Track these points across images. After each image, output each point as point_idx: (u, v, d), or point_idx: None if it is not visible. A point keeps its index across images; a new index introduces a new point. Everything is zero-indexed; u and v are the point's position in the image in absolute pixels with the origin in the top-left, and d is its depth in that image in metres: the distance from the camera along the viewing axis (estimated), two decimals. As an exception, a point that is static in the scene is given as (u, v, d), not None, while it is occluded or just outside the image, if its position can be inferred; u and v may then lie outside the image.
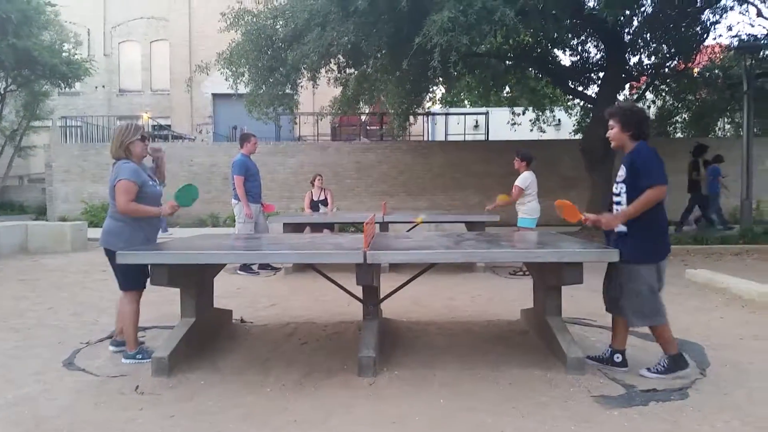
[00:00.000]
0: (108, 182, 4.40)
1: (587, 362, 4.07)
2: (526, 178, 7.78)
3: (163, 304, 5.94)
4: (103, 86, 27.62)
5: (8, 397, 3.57)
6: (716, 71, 15.37)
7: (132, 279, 4.25)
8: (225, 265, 5.20)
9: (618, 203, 3.96)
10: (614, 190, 4.03)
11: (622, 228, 3.87)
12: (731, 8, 12.23)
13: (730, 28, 29.82)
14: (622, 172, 3.95)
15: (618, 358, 4.04)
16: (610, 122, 4.02)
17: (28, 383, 3.83)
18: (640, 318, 3.87)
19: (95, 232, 12.24)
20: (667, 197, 3.82)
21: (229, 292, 6.96)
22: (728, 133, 20.41)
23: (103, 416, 3.29)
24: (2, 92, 21.18)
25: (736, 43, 13.13)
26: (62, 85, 21.13)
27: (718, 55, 16.27)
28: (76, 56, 21.12)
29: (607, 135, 4.07)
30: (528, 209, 7.82)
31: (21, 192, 23.09)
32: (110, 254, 4.20)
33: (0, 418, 3.27)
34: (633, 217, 3.77)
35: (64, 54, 20.37)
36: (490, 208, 8.22)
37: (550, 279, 4.37)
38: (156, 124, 24.57)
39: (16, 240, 10.77)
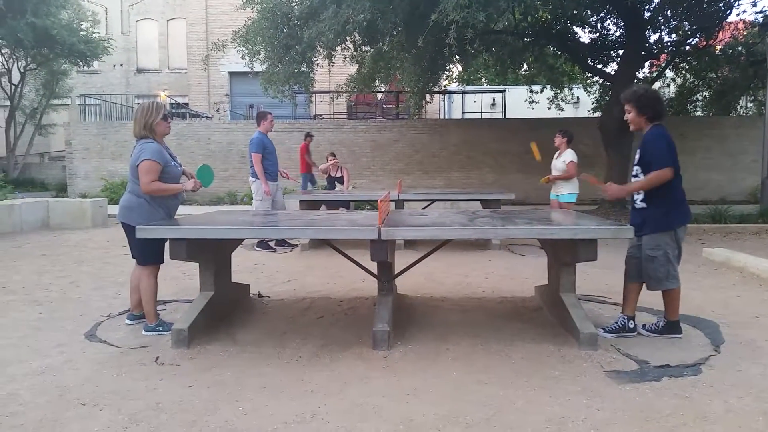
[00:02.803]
0: (129, 159, 4.45)
1: (603, 336, 4.18)
2: (574, 154, 7.88)
3: (182, 279, 6.05)
4: (121, 65, 27.80)
5: (33, 367, 3.68)
6: (739, 48, 15.05)
7: (150, 253, 4.33)
8: (242, 240, 5.27)
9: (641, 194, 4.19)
10: (633, 171, 4.27)
11: (642, 203, 4.14)
12: (756, -17, 11.98)
13: (754, 4, 29.22)
14: (638, 155, 4.18)
15: (631, 324, 4.27)
16: (626, 107, 4.22)
17: (51, 354, 3.94)
18: (655, 282, 4.15)
19: (114, 209, 12.43)
20: (685, 174, 4.08)
21: (247, 268, 7.06)
22: (750, 112, 20.07)
23: (125, 386, 3.38)
24: (22, 71, 21.40)
25: (760, 20, 12.84)
26: (80, 63, 21.32)
27: (741, 31, 15.94)
28: (94, 35, 21.27)
29: (625, 119, 4.27)
30: (574, 186, 7.87)
31: (42, 169, 23.40)
32: (129, 229, 4.28)
33: (26, 386, 3.37)
34: (635, 191, 4.13)
35: (82, 32, 20.51)
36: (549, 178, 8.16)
37: (564, 256, 4.38)
38: (173, 102, 24.70)
39: (38, 216, 10.97)
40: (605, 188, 4.30)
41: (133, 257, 4.50)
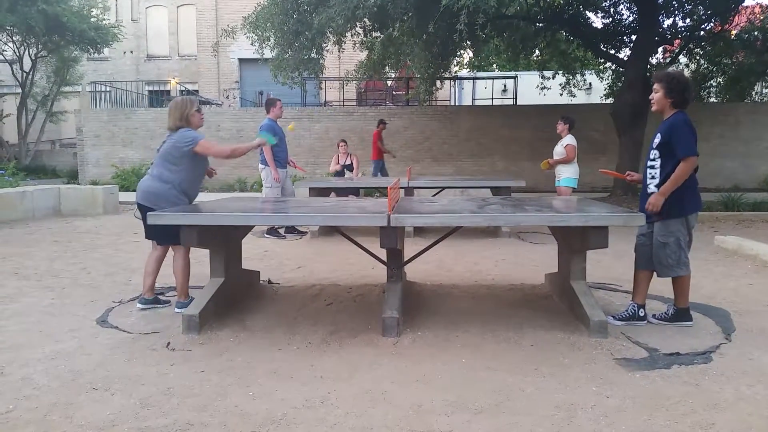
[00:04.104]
0: (151, 146, 4.64)
1: (613, 323, 4.19)
2: (574, 139, 8.02)
3: (193, 265, 6.05)
4: (131, 51, 27.82)
5: (46, 351, 3.72)
6: (755, 33, 14.81)
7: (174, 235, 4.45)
8: (253, 227, 5.28)
9: (652, 167, 4.14)
10: (650, 155, 4.18)
11: (655, 188, 4.08)
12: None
13: (772, -13, 28.63)
14: (657, 140, 4.08)
15: (642, 312, 4.26)
16: (656, 86, 4.13)
17: (64, 339, 3.98)
18: (666, 268, 4.13)
19: (126, 196, 12.51)
20: (698, 161, 4.01)
21: (257, 255, 7.09)
22: (765, 98, 19.81)
23: (136, 371, 3.41)
24: (33, 58, 21.48)
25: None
26: (91, 50, 21.35)
27: (758, 15, 15.69)
28: (104, 21, 21.30)
29: (650, 97, 4.21)
30: (574, 170, 8.04)
31: (53, 156, 23.55)
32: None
33: (39, 370, 3.41)
34: (672, 191, 3.97)
35: (92, 19, 20.55)
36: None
37: (575, 243, 4.36)
38: (183, 89, 24.72)
39: (50, 203, 11.05)
40: (651, 204, 4.06)
41: (159, 242, 4.66)
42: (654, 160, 4.12)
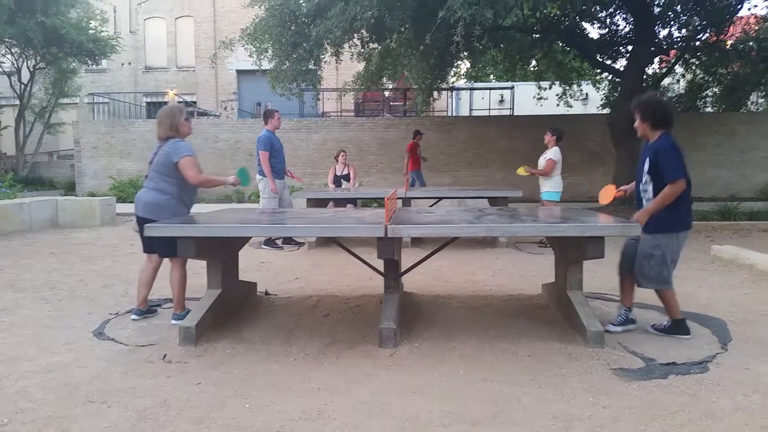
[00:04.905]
0: (147, 158, 4.63)
1: (613, 329, 4.28)
2: (557, 152, 7.95)
3: (190, 277, 6.05)
4: (129, 63, 27.87)
5: (42, 364, 3.71)
6: (750, 43, 14.92)
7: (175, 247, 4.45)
8: (250, 238, 5.28)
9: (645, 191, 4.18)
10: (642, 179, 4.21)
11: (648, 203, 4.11)
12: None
13: (766, -1, 28.84)
14: (646, 165, 4.13)
15: (632, 315, 4.40)
16: (634, 115, 4.25)
17: (60, 352, 3.97)
18: (645, 279, 4.19)
19: (123, 208, 12.51)
20: (694, 171, 4.13)
21: (254, 266, 7.09)
22: (760, 108, 19.90)
23: (132, 383, 3.40)
24: (31, 70, 21.52)
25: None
26: (89, 62, 21.39)
27: (752, 26, 15.80)
28: (102, 33, 21.34)
29: (634, 126, 4.31)
30: (555, 183, 8.01)
31: (50, 168, 23.53)
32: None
33: (35, 383, 3.40)
34: (656, 212, 4.03)
35: (90, 31, 20.58)
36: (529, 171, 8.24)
37: (572, 253, 4.37)
38: (181, 101, 24.78)
39: (47, 215, 11.04)
40: (636, 219, 4.15)
41: (160, 255, 4.65)
42: (646, 183, 4.15)
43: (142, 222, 4.52)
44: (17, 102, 22.37)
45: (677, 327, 4.20)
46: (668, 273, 4.13)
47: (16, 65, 21.40)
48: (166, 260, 4.65)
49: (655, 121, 4.11)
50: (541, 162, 8.05)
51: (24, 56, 20.94)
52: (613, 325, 4.33)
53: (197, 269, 6.06)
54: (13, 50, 20.68)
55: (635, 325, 4.36)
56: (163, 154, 4.53)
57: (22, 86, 21.76)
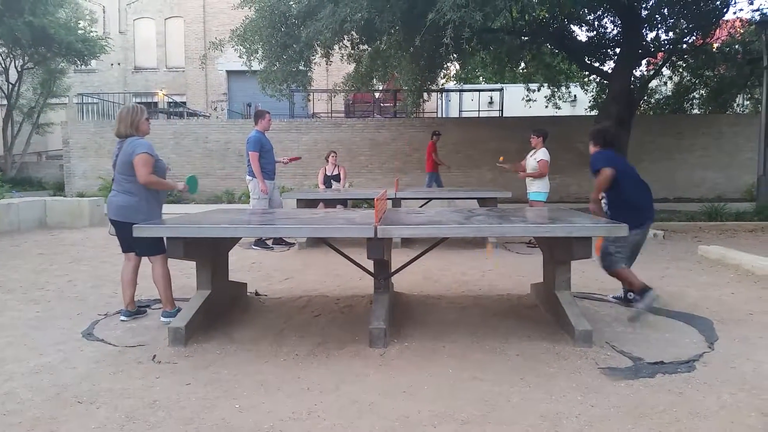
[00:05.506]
0: (113, 160, 4.67)
1: (639, 308, 4.48)
2: (547, 153, 8.13)
3: (179, 277, 6.05)
4: (119, 63, 27.75)
5: (30, 365, 3.70)
6: (736, 46, 15.08)
7: (157, 245, 4.49)
8: (240, 239, 5.28)
9: (603, 198, 5.00)
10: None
11: (604, 206, 4.97)
12: (753, -19, 11.97)
13: (751, 2, 28.92)
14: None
15: (636, 297, 4.64)
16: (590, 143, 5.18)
17: (49, 352, 3.96)
18: (601, 264, 4.81)
19: (112, 208, 12.40)
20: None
21: (244, 267, 7.08)
22: (746, 110, 20.10)
23: (122, 384, 3.40)
24: (19, 70, 21.38)
25: (757, 18, 12.86)
26: (78, 62, 21.28)
27: (738, 29, 15.96)
28: (91, 34, 21.23)
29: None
30: (542, 184, 8.15)
31: (39, 168, 23.37)
32: (126, 227, 4.31)
33: (23, 384, 3.39)
34: (596, 198, 4.94)
35: (79, 31, 20.48)
36: (505, 166, 8.56)
37: (559, 254, 4.40)
38: (171, 101, 24.67)
39: (35, 215, 10.96)
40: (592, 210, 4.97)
41: (138, 253, 4.65)
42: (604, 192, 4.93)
43: (115, 225, 4.58)
44: (5, 102, 22.21)
45: (643, 293, 4.46)
46: (617, 260, 4.67)
47: (3, 65, 21.26)
48: (145, 259, 4.64)
49: (601, 142, 5.09)
50: (532, 163, 8.13)
51: (12, 56, 20.80)
52: (637, 302, 4.55)
53: (187, 270, 6.05)
54: (0, 50, 20.54)
55: (651, 289, 4.49)
56: (124, 153, 4.50)
57: (10, 86, 21.60)
